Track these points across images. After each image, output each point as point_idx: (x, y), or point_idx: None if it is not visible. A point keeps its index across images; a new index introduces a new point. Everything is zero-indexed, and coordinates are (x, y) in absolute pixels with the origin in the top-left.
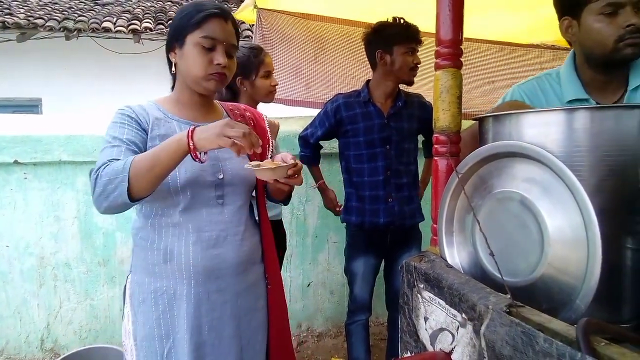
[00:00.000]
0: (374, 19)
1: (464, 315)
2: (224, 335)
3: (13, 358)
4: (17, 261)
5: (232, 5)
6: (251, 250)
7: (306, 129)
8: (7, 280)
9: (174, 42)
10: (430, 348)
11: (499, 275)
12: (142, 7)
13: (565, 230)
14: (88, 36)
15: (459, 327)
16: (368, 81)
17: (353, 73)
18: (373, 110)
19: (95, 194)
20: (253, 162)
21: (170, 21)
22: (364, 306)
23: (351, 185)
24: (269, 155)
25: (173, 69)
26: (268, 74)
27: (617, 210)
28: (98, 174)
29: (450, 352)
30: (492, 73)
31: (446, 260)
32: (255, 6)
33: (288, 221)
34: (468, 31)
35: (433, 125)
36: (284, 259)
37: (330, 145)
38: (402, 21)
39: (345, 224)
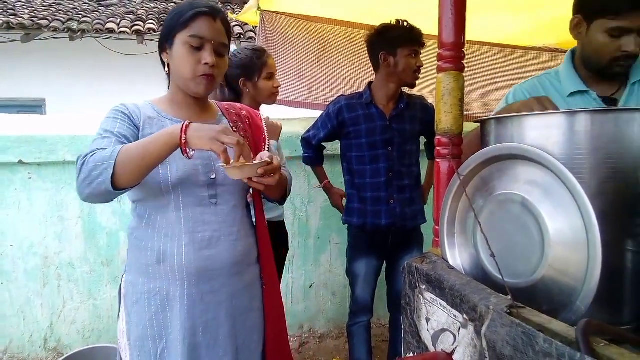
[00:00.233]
0: (376, 22)
1: (465, 316)
2: (219, 336)
3: (16, 357)
4: (21, 261)
5: (235, 7)
6: (246, 250)
7: (308, 130)
8: (11, 279)
9: (165, 42)
10: (432, 348)
11: (500, 277)
12: (146, 8)
13: (566, 233)
14: (92, 37)
15: (461, 328)
16: (370, 83)
17: (355, 75)
18: (375, 112)
19: (79, 180)
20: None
21: None
22: (365, 308)
23: (353, 186)
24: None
25: (166, 69)
26: (271, 76)
27: (618, 213)
28: (85, 160)
29: (452, 353)
30: (494, 75)
31: (448, 262)
32: (258, 8)
33: (290, 222)
34: (470, 34)
35: (435, 127)
36: (286, 260)
37: (333, 147)
38: (405, 24)
39: (347, 225)
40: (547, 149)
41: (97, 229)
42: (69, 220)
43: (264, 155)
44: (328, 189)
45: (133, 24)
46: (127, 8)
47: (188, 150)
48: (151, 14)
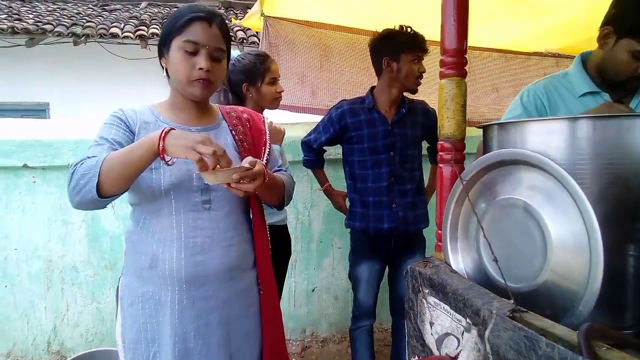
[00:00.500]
0: (378, 28)
1: (468, 320)
2: (211, 343)
3: None
4: (25, 264)
5: (237, 12)
6: (240, 256)
7: (309, 134)
8: (15, 283)
9: (162, 47)
10: (436, 352)
11: (503, 281)
12: (149, 13)
13: (568, 237)
14: (96, 41)
15: (464, 332)
16: (372, 88)
17: (358, 80)
18: (377, 117)
19: (69, 189)
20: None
21: None
22: (368, 312)
23: (355, 191)
24: (264, 159)
25: (165, 74)
26: (274, 81)
27: (620, 218)
28: (75, 169)
29: (456, 357)
30: (496, 81)
31: (450, 266)
32: (262, 14)
33: (293, 226)
34: (472, 39)
35: (438, 132)
36: (289, 264)
37: (335, 151)
38: (409, 30)
39: (349, 229)
40: (549, 155)
41: (100, 232)
42: (73, 224)
43: (245, 162)
44: (329, 191)
45: (137, 28)
46: (130, 13)
47: (166, 157)
48: (155, 19)
